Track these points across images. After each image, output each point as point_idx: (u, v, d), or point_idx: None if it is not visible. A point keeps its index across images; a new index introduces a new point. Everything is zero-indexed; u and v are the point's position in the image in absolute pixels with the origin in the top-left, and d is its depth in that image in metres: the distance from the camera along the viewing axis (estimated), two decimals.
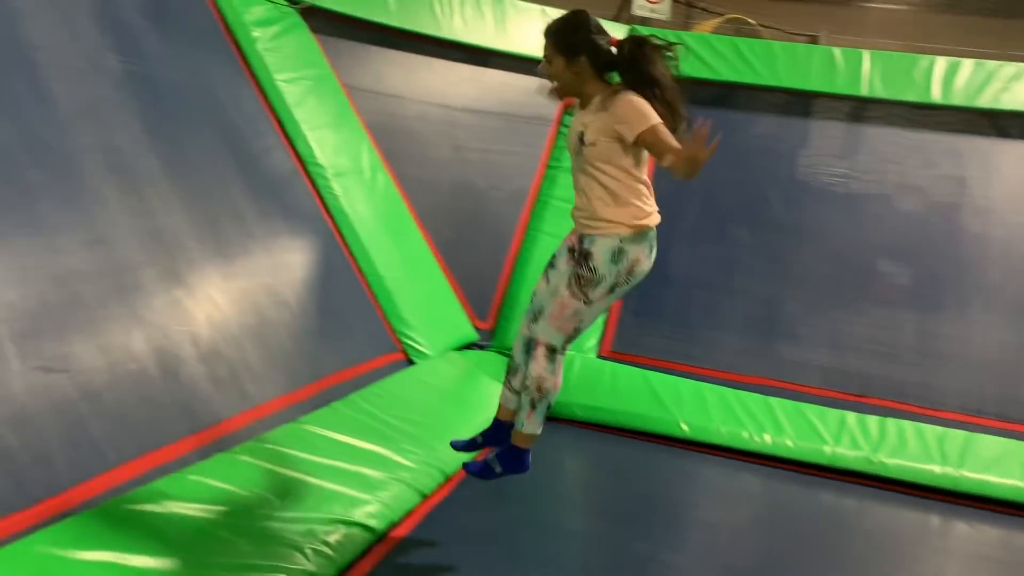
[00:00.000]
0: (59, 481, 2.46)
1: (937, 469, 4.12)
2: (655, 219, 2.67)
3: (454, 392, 4.40)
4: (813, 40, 10.12)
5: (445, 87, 5.75)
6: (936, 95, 5.53)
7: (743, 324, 5.18)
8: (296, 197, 4.40)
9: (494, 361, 4.94)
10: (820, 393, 4.76)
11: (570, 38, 2.61)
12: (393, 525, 3.02)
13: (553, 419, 4.58)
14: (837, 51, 5.85)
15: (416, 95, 5.59)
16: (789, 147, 5.89)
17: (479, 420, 4.08)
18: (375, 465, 3.22)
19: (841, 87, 5.72)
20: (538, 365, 2.67)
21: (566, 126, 5.78)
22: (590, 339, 5.06)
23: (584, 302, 2.60)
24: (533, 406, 2.74)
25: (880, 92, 5.62)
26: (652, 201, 2.67)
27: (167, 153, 3.61)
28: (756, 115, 5.99)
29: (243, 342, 3.43)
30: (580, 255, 2.61)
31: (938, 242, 5.28)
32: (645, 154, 2.60)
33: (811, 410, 4.53)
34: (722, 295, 5.33)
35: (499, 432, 2.97)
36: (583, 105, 2.68)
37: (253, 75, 4.61)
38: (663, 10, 6.36)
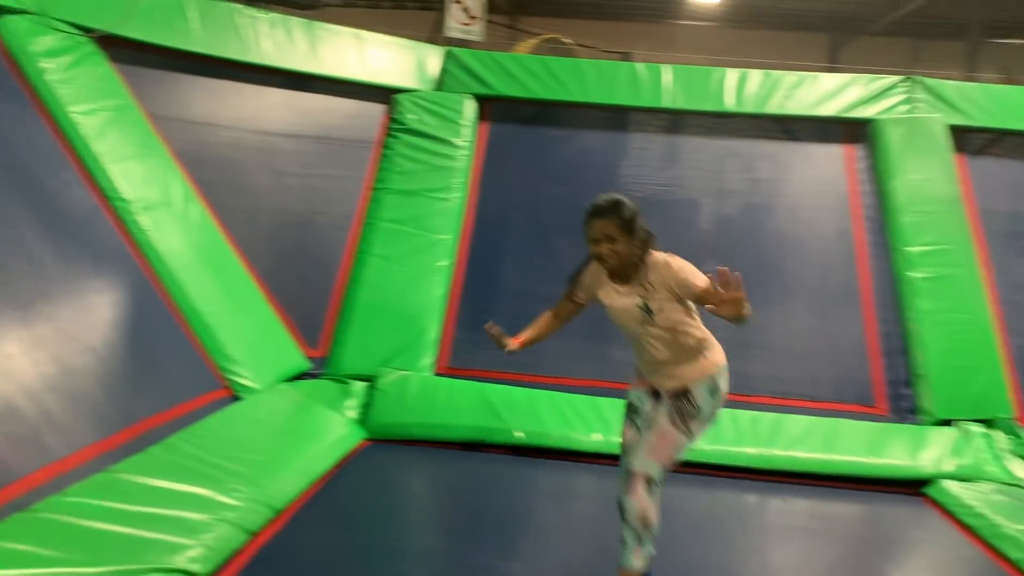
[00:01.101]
0: None
1: (751, 450, 4.41)
2: (722, 351, 2.89)
3: (284, 425, 4.29)
4: (626, 57, 10.64)
5: (259, 112, 5.63)
6: (730, 104, 5.96)
7: (572, 330, 5.33)
8: (99, 235, 4.16)
9: (328, 389, 4.85)
10: None
11: (633, 219, 2.76)
12: (219, 567, 2.91)
13: (393, 441, 4.58)
14: (640, 66, 6.19)
15: (229, 122, 5.44)
16: (604, 160, 6.18)
17: (313, 451, 4.02)
18: (197, 508, 3.08)
19: (646, 100, 6.05)
20: (639, 499, 2.69)
21: (401, 155, 5.76)
22: (426, 357, 5.08)
23: (685, 435, 2.74)
24: (639, 542, 2.73)
25: (681, 103, 6.00)
26: (712, 337, 2.88)
27: None
28: (573, 131, 6.23)
29: (41, 394, 3.21)
30: (678, 395, 2.77)
31: (740, 240, 5.68)
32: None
33: None
34: (549, 304, 5.48)
35: None
36: (625, 278, 2.82)
37: (45, 108, 4.34)
38: (476, 31, 6.50)
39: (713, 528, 3.74)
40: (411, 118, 5.88)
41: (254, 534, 3.19)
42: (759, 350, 5.15)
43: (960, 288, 5.12)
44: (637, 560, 2.73)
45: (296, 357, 4.95)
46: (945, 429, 4.66)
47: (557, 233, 5.79)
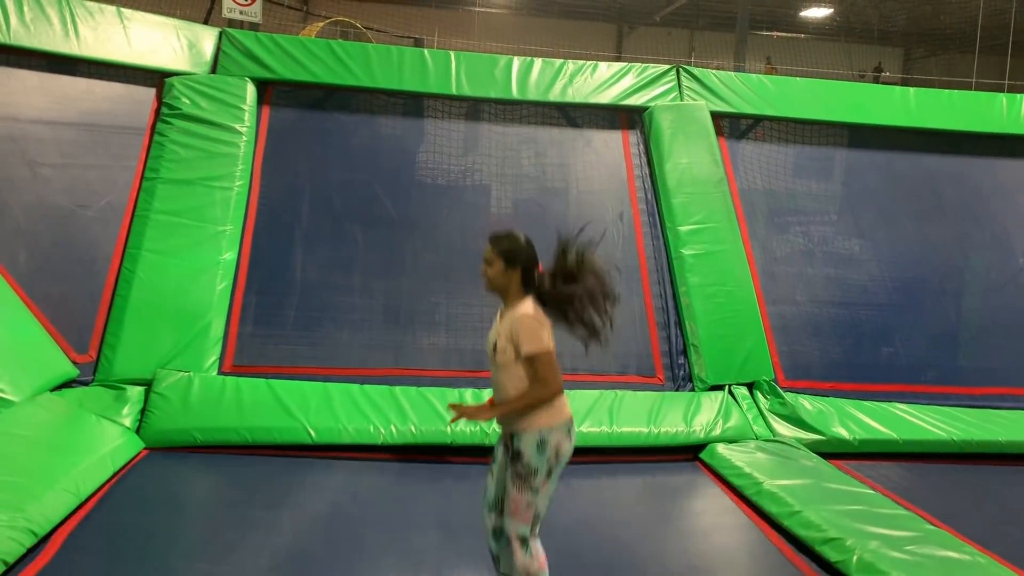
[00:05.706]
0: None
1: None
2: (568, 411, 2.84)
3: (48, 439, 3.92)
4: (419, 43, 10.58)
5: (8, 97, 5.09)
6: (516, 91, 6.08)
7: (365, 319, 5.29)
8: None
9: (100, 397, 4.49)
10: (440, 375, 5.03)
11: (511, 253, 2.80)
12: None
13: (176, 449, 4.32)
14: (427, 52, 6.17)
15: None
16: (397, 146, 6.12)
17: (82, 466, 3.69)
18: None
19: (433, 87, 6.04)
20: (518, 556, 2.83)
21: (176, 142, 5.40)
22: (210, 356, 4.82)
23: (532, 492, 2.78)
24: None
25: (467, 91, 6.04)
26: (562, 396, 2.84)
27: None
28: (362, 117, 6.12)
29: None
30: (512, 454, 2.79)
31: (530, 225, 5.79)
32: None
33: (432, 393, 4.75)
34: (343, 294, 5.40)
35: None
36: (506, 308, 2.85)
37: None
38: (253, 12, 6.22)
39: None
40: (185, 103, 5.54)
41: (10, 565, 2.90)
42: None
43: (725, 263, 5.54)
44: None
45: (61, 364, 4.54)
46: (715, 394, 5.05)
47: (349, 220, 5.69)
